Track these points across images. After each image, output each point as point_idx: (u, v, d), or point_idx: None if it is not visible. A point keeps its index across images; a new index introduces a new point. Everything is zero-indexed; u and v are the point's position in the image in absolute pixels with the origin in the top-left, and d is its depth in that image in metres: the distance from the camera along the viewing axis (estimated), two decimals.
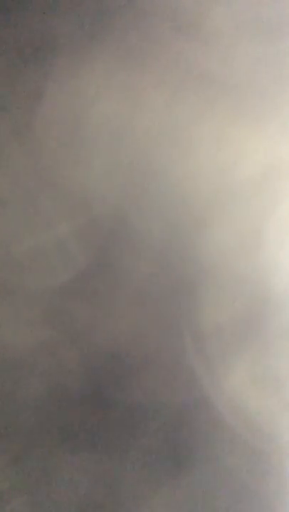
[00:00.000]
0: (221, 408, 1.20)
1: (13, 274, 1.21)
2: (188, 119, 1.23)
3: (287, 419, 1.20)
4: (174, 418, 1.20)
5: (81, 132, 1.22)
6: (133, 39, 1.23)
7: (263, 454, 1.19)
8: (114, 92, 1.23)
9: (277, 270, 1.22)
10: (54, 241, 1.21)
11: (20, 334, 1.20)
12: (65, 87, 1.23)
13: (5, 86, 1.23)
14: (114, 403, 1.20)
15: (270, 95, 1.24)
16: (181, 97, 1.23)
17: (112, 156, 1.22)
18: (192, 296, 1.21)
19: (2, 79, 1.23)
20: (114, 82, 1.23)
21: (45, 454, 1.19)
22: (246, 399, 1.20)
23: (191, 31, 1.24)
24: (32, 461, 1.18)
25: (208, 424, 1.20)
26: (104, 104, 1.23)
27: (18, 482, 1.18)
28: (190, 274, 1.22)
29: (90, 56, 1.23)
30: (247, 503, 1.19)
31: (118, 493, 1.18)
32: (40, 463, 1.18)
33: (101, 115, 1.23)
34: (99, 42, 1.23)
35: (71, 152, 1.22)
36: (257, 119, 1.24)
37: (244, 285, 1.21)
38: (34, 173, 1.22)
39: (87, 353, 1.21)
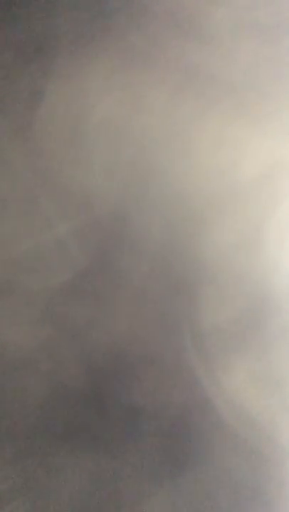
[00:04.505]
0: (221, 408, 1.20)
1: (13, 274, 1.21)
2: (189, 119, 1.23)
3: (287, 419, 1.20)
4: (174, 418, 1.20)
5: (81, 132, 1.22)
6: (133, 39, 1.23)
7: (263, 454, 1.19)
8: (114, 92, 1.23)
9: (277, 270, 1.22)
10: (54, 241, 1.21)
11: (20, 334, 1.20)
12: (65, 87, 1.23)
13: (5, 86, 1.23)
14: (114, 403, 1.20)
15: (270, 95, 1.24)
16: (181, 97, 1.23)
17: (112, 156, 1.22)
18: (192, 296, 1.21)
19: (2, 79, 1.23)
20: (114, 82, 1.23)
21: (45, 454, 1.19)
22: (246, 399, 1.20)
23: (191, 31, 1.24)
24: (32, 461, 1.18)
25: (208, 424, 1.20)
26: (105, 104, 1.23)
27: (18, 482, 1.18)
28: (190, 274, 1.22)
29: (90, 56, 1.23)
30: (247, 503, 1.19)
31: (118, 493, 1.18)
32: (40, 463, 1.18)
33: (101, 115, 1.23)
34: (99, 42, 1.23)
35: (71, 152, 1.22)
36: (257, 119, 1.24)
37: (244, 285, 1.21)
38: (34, 173, 1.22)
39: (87, 353, 1.20)
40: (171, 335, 1.21)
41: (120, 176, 1.22)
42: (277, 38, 1.24)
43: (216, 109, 1.23)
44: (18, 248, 1.21)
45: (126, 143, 1.22)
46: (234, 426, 1.19)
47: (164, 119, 1.23)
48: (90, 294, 1.21)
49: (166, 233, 1.22)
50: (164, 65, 1.23)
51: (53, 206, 1.22)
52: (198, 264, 1.22)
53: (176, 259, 1.22)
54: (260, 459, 1.19)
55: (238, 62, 1.24)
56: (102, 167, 1.22)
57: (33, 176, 1.22)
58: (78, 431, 1.19)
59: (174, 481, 1.19)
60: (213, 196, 1.23)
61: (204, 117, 1.23)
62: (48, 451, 1.19)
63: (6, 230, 1.22)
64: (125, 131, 1.23)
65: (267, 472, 1.19)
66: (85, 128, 1.22)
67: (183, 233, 1.22)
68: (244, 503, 1.19)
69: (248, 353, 1.21)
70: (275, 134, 1.24)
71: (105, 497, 1.18)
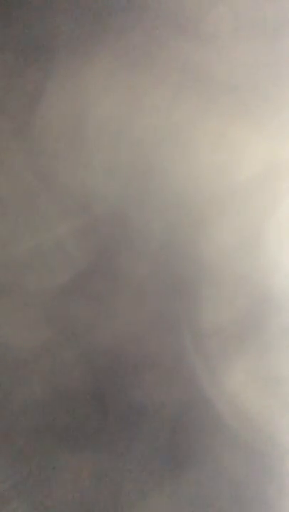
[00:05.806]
0: (221, 408, 1.20)
1: (13, 274, 1.21)
2: (189, 119, 1.23)
3: (287, 419, 1.20)
4: (174, 418, 1.20)
5: (81, 132, 1.22)
6: (133, 39, 1.23)
7: (263, 454, 1.19)
8: (114, 92, 1.23)
9: (277, 270, 1.22)
10: (54, 241, 1.21)
11: (20, 334, 1.20)
12: (65, 87, 1.23)
13: (5, 86, 1.23)
14: (114, 403, 1.20)
15: (270, 95, 1.24)
16: (181, 97, 1.23)
17: (112, 156, 1.22)
18: (192, 296, 1.21)
19: (2, 79, 1.23)
20: (114, 82, 1.23)
21: (45, 454, 1.19)
22: (246, 399, 1.20)
23: (191, 31, 1.24)
24: (32, 461, 1.18)
25: (208, 424, 1.20)
26: (104, 104, 1.23)
27: (18, 482, 1.18)
28: (190, 274, 1.22)
29: (90, 56, 1.23)
30: (247, 503, 1.19)
31: (118, 493, 1.18)
32: (40, 463, 1.19)
33: (101, 115, 1.23)
34: (99, 42, 1.23)
35: (71, 152, 1.22)
36: (257, 119, 1.24)
37: (244, 285, 1.21)
38: (34, 173, 1.22)
39: (87, 353, 1.21)
40: (171, 335, 1.21)
41: (120, 176, 1.22)
42: (278, 38, 1.24)
43: (216, 109, 1.23)
44: (18, 248, 1.21)
45: (126, 143, 1.22)
46: (234, 426, 1.20)
47: (164, 119, 1.23)
48: (89, 294, 1.21)
49: (166, 233, 1.22)
50: (164, 65, 1.23)
51: (53, 206, 1.22)
52: (198, 264, 1.22)
53: (176, 259, 1.22)
54: (260, 458, 1.19)
55: (238, 62, 1.24)
56: (102, 167, 1.22)
57: (33, 176, 1.22)
58: (78, 431, 1.19)
59: (174, 481, 1.19)
60: (213, 196, 1.23)
61: (204, 117, 1.23)
62: (48, 451, 1.19)
63: (6, 230, 1.22)
64: (125, 131, 1.23)
65: (267, 472, 1.19)
66: (85, 128, 1.22)
67: (183, 233, 1.22)
68: (244, 503, 1.19)
69: (248, 353, 1.21)
70: (275, 134, 1.24)
71: (105, 497, 1.18)
